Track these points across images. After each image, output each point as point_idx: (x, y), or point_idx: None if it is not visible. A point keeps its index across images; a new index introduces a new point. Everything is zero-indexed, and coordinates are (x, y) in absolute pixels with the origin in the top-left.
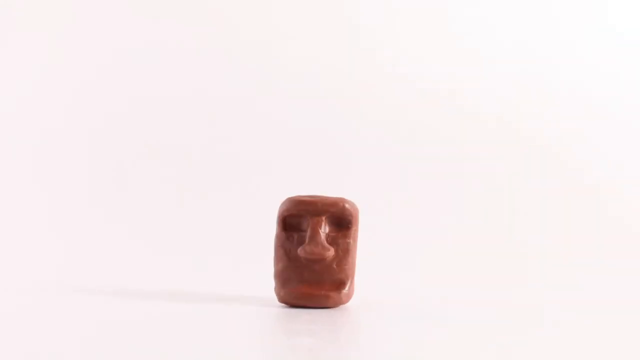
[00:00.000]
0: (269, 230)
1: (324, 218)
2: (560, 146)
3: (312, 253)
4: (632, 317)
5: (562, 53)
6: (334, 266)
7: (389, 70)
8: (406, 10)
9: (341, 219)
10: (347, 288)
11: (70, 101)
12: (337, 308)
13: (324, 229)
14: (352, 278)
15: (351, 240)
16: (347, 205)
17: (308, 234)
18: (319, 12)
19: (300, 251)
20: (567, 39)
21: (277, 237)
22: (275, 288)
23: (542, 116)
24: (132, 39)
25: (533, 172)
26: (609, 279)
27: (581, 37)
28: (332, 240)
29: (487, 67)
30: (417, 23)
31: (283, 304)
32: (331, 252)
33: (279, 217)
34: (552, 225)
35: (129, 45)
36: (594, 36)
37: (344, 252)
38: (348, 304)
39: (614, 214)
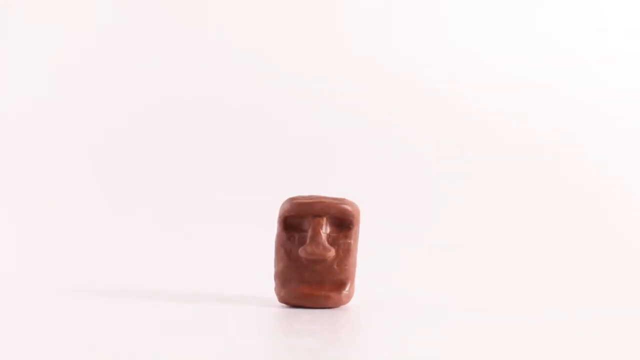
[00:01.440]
0: (270, 230)
1: (325, 218)
2: (560, 148)
3: (313, 253)
4: (630, 320)
5: (563, 54)
6: (335, 267)
7: (390, 70)
8: (404, 11)
9: (342, 220)
10: (347, 288)
11: (74, 109)
12: (337, 308)
13: (325, 230)
14: (353, 278)
15: (352, 241)
16: (348, 206)
17: (309, 234)
18: (318, 13)
19: (301, 251)
20: (567, 40)
21: (278, 237)
22: (275, 288)
23: (542, 117)
24: (139, 46)
25: (534, 173)
26: (607, 279)
27: (580, 38)
28: (333, 241)
29: (487, 68)
30: (416, 24)
31: (283, 304)
32: (332, 252)
33: (280, 217)
34: (553, 227)
35: (134, 52)
36: (593, 37)
37: (345, 253)
38: (348, 304)
39: (613, 214)
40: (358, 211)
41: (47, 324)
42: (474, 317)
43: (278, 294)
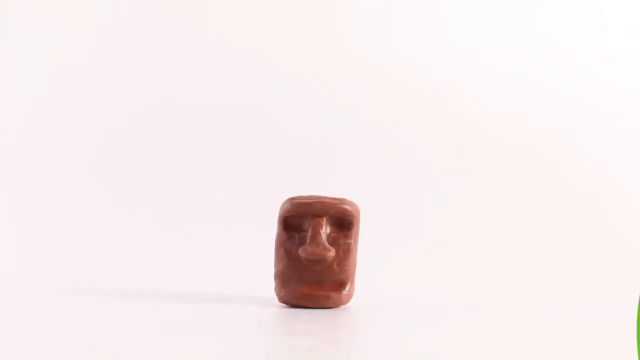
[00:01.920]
0: (270, 230)
1: (325, 219)
2: (560, 148)
3: (313, 253)
4: (627, 321)
5: (563, 54)
6: (335, 267)
7: (390, 70)
8: (404, 11)
9: (342, 220)
10: (347, 288)
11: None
12: (337, 308)
13: (325, 230)
14: (353, 278)
15: (352, 241)
16: (347, 206)
17: (309, 234)
18: (318, 13)
19: (301, 251)
20: (567, 40)
21: (278, 237)
22: (275, 288)
23: (542, 117)
24: (139, 46)
25: (534, 173)
26: (607, 279)
27: (580, 38)
28: (332, 241)
29: (487, 68)
30: (416, 24)
31: (283, 304)
32: (332, 252)
33: (280, 217)
34: (553, 227)
35: (134, 53)
36: (593, 37)
37: (345, 253)
38: (348, 304)
39: (613, 214)
40: (358, 211)
41: (47, 324)
42: (474, 317)
43: (278, 294)
